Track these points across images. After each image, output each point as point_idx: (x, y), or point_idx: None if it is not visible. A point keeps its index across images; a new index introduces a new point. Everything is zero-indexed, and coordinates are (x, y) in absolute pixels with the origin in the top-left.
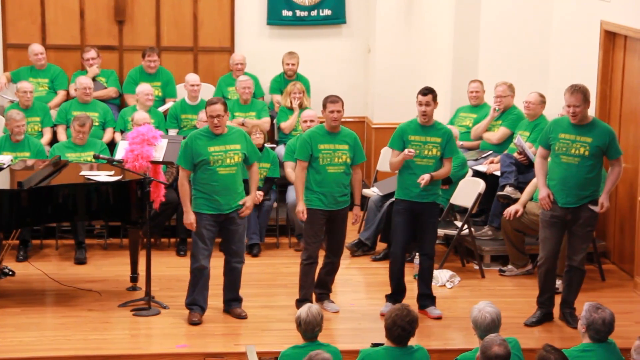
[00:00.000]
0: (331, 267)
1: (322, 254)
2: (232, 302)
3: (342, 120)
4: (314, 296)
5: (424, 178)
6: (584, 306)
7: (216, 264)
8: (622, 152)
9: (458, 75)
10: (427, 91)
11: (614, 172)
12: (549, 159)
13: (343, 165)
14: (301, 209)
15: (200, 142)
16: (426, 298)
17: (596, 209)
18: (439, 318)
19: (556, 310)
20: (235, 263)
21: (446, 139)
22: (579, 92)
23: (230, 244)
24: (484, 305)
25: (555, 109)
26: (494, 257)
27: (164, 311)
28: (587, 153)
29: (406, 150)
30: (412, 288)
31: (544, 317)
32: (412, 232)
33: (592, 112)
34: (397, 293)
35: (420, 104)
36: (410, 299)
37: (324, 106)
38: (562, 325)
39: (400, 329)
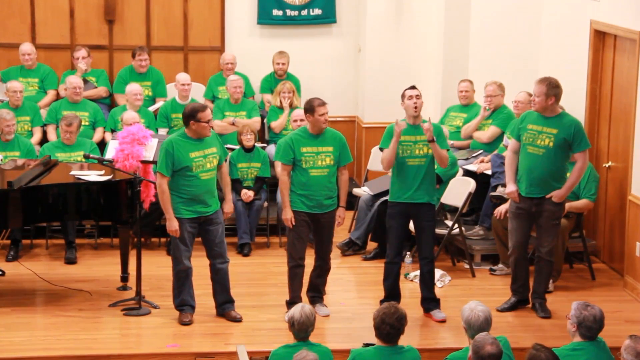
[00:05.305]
0: (321, 271)
1: (310, 254)
2: (225, 304)
3: (332, 120)
4: (307, 299)
5: (428, 128)
6: (572, 305)
7: (200, 263)
8: (590, 145)
9: (448, 75)
10: (414, 86)
11: (576, 167)
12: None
13: (327, 168)
14: (289, 216)
15: (182, 149)
16: (430, 301)
17: (554, 197)
18: (443, 321)
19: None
20: (219, 264)
21: (436, 133)
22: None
23: (212, 246)
24: (475, 305)
25: None
26: (484, 256)
27: (154, 311)
28: (551, 144)
29: (397, 121)
30: (407, 288)
31: (517, 303)
32: (406, 234)
33: (582, 110)
34: (391, 298)
35: (410, 97)
36: (407, 298)
37: (313, 110)
38: (552, 324)
39: (389, 326)
